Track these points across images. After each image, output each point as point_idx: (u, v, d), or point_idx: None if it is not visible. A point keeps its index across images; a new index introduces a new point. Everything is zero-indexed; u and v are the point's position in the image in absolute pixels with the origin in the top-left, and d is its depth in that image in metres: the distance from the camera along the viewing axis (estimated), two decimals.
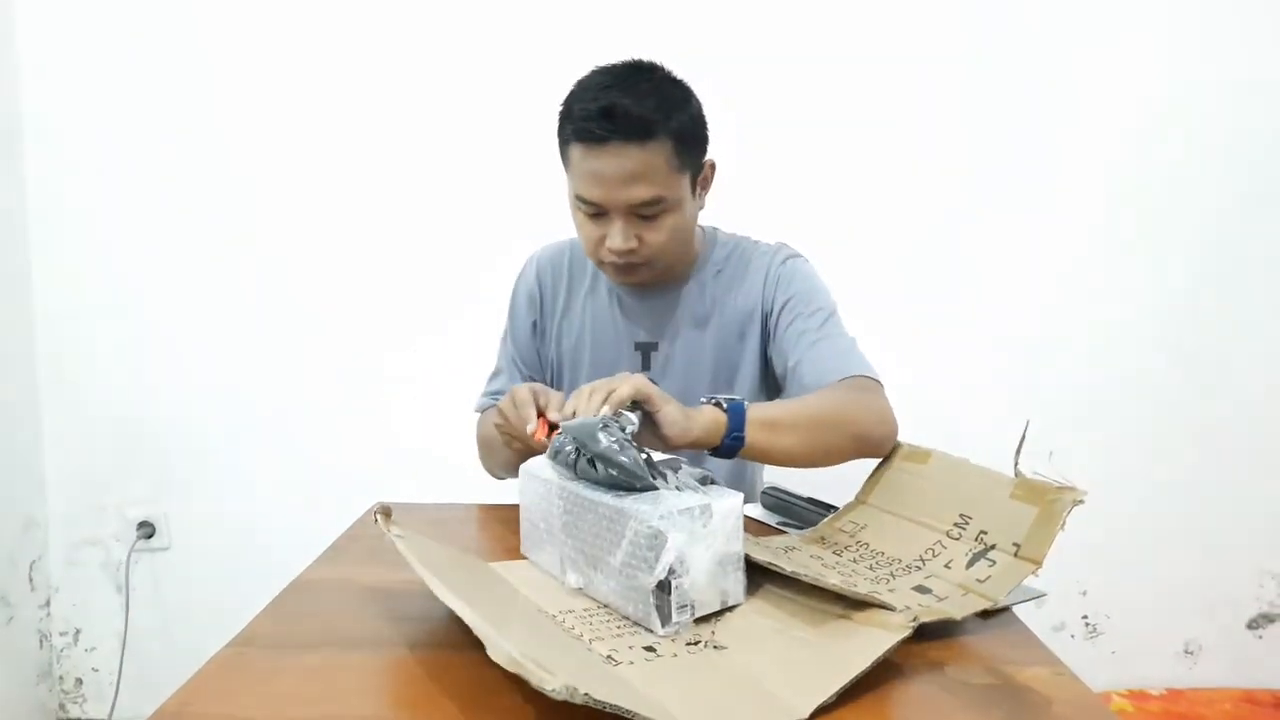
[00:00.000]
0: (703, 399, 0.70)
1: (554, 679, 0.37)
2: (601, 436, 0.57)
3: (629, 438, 0.58)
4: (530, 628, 0.51)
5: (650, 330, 0.95)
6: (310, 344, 1.46)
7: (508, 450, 0.78)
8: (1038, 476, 0.60)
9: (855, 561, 0.65)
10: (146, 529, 1.49)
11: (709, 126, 0.85)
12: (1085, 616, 1.47)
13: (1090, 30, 1.38)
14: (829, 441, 0.74)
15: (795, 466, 0.76)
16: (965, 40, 1.39)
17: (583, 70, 0.83)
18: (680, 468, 0.59)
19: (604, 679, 0.44)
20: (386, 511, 0.59)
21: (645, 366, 0.96)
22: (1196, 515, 1.44)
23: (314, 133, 1.42)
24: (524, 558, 0.67)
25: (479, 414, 0.98)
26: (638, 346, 0.96)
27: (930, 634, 0.55)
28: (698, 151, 0.85)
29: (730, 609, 0.57)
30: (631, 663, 0.48)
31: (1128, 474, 1.43)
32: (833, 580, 0.55)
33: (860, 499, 0.74)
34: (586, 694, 0.37)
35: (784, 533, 0.77)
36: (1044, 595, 0.66)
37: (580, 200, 0.82)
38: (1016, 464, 0.61)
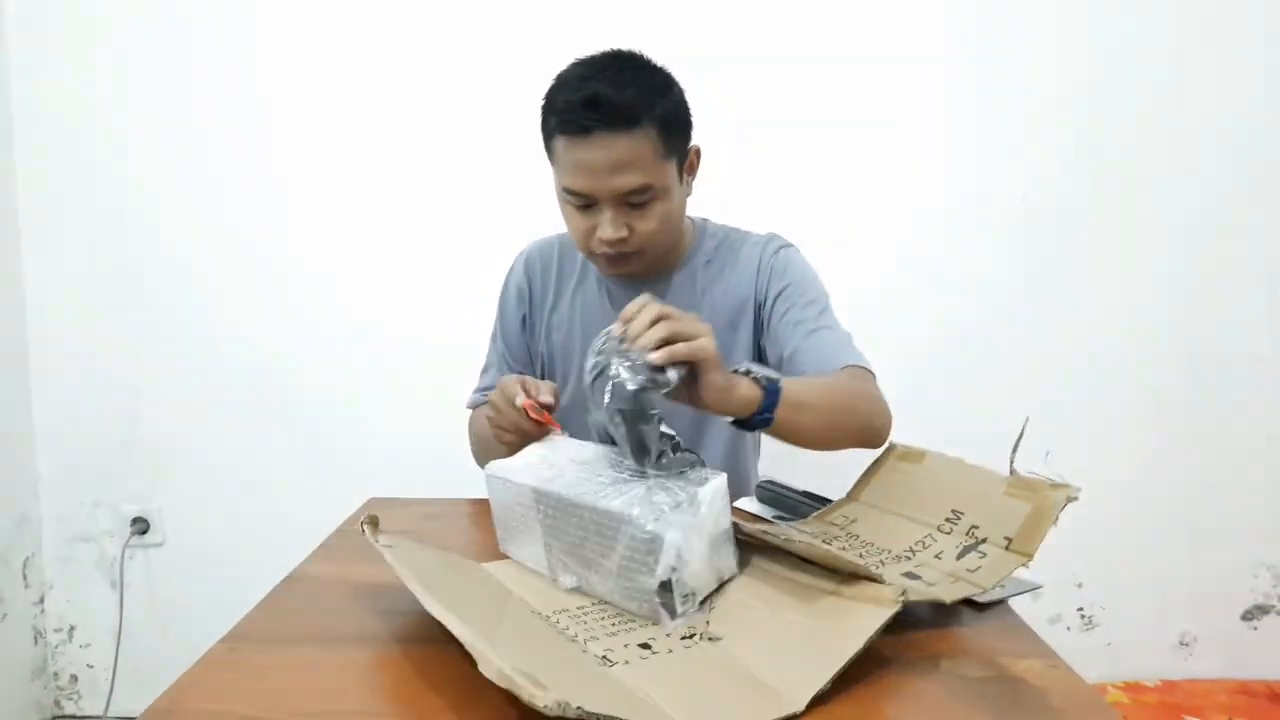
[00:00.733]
0: (738, 368, 0.67)
1: (546, 694, 0.37)
2: (635, 390, 0.56)
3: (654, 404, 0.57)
4: (522, 635, 0.51)
5: None
6: (304, 340, 1.45)
7: (500, 445, 0.78)
8: (1033, 475, 0.59)
9: (844, 550, 0.64)
10: (140, 525, 1.48)
11: (692, 114, 0.85)
12: (1080, 609, 1.48)
13: (1089, 31, 1.37)
14: (842, 426, 0.75)
15: (803, 447, 0.76)
16: (964, 41, 1.38)
17: None
18: (678, 448, 0.59)
19: (597, 687, 0.44)
20: (374, 521, 0.58)
21: None
22: (1191, 507, 1.45)
23: (313, 132, 1.41)
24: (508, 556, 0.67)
25: (470, 410, 0.98)
26: None
27: (925, 626, 0.55)
28: (683, 137, 0.84)
29: (726, 583, 0.57)
30: (627, 662, 0.48)
31: (1123, 467, 1.44)
32: (823, 550, 0.55)
33: (852, 496, 0.74)
34: (579, 707, 0.37)
35: (771, 522, 0.77)
36: (1039, 587, 0.66)
37: (568, 193, 0.82)
38: (1012, 462, 0.61)
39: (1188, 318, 1.42)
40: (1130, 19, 1.37)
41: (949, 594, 0.54)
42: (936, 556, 0.60)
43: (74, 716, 1.55)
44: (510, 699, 0.44)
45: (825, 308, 0.90)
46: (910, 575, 0.58)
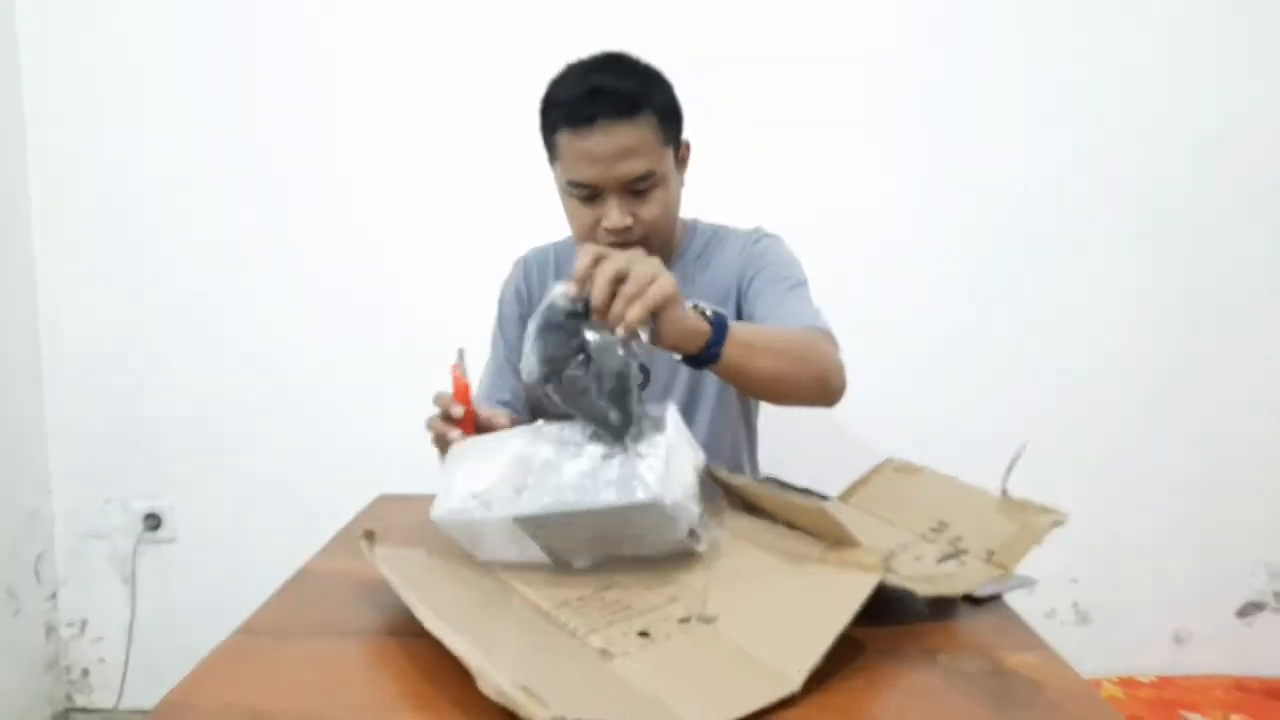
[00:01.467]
0: (690, 303, 0.66)
1: (545, 711, 0.37)
2: (621, 361, 0.55)
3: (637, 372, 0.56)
4: (524, 639, 0.51)
5: None
6: (314, 338, 1.47)
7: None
8: (1024, 501, 0.60)
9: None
10: (152, 521, 1.50)
11: (691, 114, 0.88)
12: (1076, 604, 1.48)
13: (1088, 31, 1.37)
14: (795, 374, 0.73)
15: (755, 394, 0.76)
16: (956, 42, 1.38)
17: None
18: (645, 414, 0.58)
19: (598, 691, 0.45)
20: (370, 535, 0.59)
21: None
22: (1188, 504, 1.45)
23: (318, 135, 1.43)
24: None
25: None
26: None
27: (922, 620, 0.56)
28: (677, 128, 0.87)
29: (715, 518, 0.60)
30: (627, 653, 0.49)
31: (1120, 464, 1.44)
32: (814, 507, 0.57)
33: (843, 499, 0.75)
34: (578, 718, 0.38)
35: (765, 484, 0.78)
36: (1035, 582, 0.66)
37: (573, 185, 0.83)
38: (1005, 484, 0.62)
39: (1184, 316, 1.43)
40: (1124, 19, 1.37)
41: (923, 589, 0.54)
42: (916, 558, 0.61)
43: (86, 710, 1.57)
44: None
45: (797, 284, 0.89)
46: (889, 570, 0.59)
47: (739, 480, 0.61)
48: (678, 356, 0.66)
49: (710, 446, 0.97)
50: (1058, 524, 0.55)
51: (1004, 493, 0.61)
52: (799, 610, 0.52)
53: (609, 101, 0.78)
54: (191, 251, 1.45)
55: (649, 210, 0.84)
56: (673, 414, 0.60)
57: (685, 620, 0.53)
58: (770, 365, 0.71)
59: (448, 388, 0.73)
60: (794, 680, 0.44)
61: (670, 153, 0.85)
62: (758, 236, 0.96)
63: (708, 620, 0.52)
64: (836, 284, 0.97)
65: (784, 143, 1.40)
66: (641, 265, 0.58)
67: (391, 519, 0.84)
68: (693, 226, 1.00)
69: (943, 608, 0.58)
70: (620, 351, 0.55)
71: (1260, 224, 1.41)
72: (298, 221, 1.45)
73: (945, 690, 0.47)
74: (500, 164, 1.40)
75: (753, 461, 1.07)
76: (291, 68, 1.41)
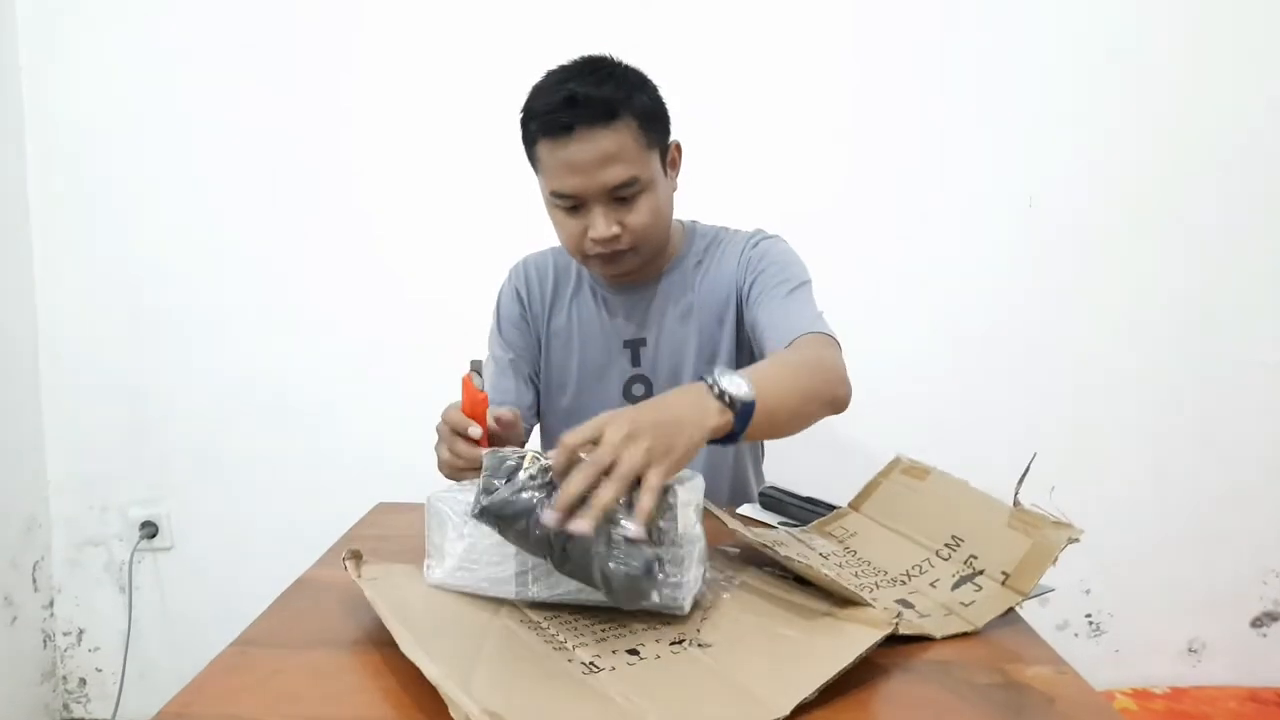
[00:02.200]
0: (705, 377, 0.60)
1: None
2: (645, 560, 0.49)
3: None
4: (505, 658, 0.49)
5: (637, 326, 0.96)
6: (313, 346, 1.46)
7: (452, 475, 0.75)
8: (1036, 509, 0.59)
9: (841, 567, 0.64)
10: (149, 529, 1.49)
11: (690, 115, 0.87)
12: (1089, 615, 1.47)
13: (1098, 31, 1.37)
14: (811, 411, 0.71)
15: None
16: (968, 43, 1.38)
17: None
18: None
19: (575, 707, 0.44)
20: (356, 556, 0.59)
21: (635, 363, 0.96)
22: (1200, 514, 1.44)
23: (320, 138, 1.42)
24: None
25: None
26: (626, 344, 0.96)
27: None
28: (662, 131, 0.85)
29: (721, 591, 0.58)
30: (613, 668, 0.48)
31: (1132, 473, 1.43)
32: (821, 575, 0.55)
33: (854, 505, 0.74)
34: None
35: (774, 528, 0.76)
36: (1051, 590, 0.65)
37: (556, 196, 0.82)
38: (1017, 494, 0.61)
39: (1199, 323, 1.41)
40: (1140, 20, 1.36)
41: (939, 629, 0.54)
42: (932, 584, 0.60)
43: (82, 719, 1.56)
44: None
45: (798, 286, 0.87)
46: (904, 602, 0.58)
47: (752, 539, 0.59)
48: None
49: (714, 456, 0.97)
50: (1073, 541, 0.54)
51: (1016, 503, 0.60)
52: (799, 649, 0.50)
53: (585, 109, 0.77)
54: (191, 261, 1.45)
55: (636, 217, 0.82)
56: (689, 491, 0.54)
57: (679, 643, 0.51)
58: (790, 412, 0.67)
59: (455, 396, 0.72)
60: (783, 707, 0.43)
61: (655, 156, 0.83)
62: (758, 239, 0.94)
63: (703, 646, 0.51)
64: (840, 284, 0.96)
65: (784, 143, 1.39)
66: (640, 433, 0.50)
67: (389, 528, 0.83)
68: (691, 229, 0.98)
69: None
70: (646, 551, 0.49)
71: (1273, 229, 1.40)
72: (299, 229, 1.44)
73: (957, 703, 0.47)
74: (505, 169, 1.38)
75: (757, 470, 1.06)
76: (292, 69, 1.41)
